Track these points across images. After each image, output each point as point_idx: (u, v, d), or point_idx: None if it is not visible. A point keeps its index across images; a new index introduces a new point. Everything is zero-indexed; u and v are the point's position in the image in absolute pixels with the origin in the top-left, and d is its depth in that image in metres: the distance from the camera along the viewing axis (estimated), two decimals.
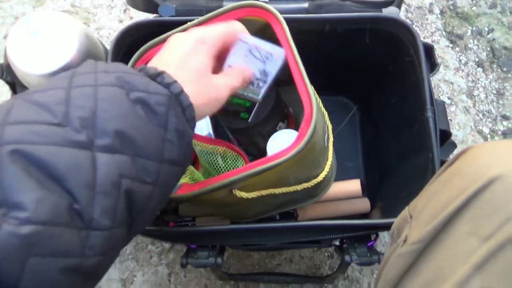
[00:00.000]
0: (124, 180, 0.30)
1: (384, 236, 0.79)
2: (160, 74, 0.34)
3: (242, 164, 0.56)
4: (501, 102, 0.91)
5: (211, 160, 0.56)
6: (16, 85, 0.64)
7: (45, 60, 0.54)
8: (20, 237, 0.25)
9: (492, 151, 0.32)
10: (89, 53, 0.57)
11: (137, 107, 0.31)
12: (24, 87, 0.62)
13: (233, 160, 0.56)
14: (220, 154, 0.56)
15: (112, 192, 0.29)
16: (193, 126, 0.36)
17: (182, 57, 0.37)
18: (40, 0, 0.91)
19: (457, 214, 0.31)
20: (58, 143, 0.28)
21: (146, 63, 0.49)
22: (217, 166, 0.56)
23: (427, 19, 0.94)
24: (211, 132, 0.62)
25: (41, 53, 0.54)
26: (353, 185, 0.65)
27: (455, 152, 0.61)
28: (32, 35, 0.55)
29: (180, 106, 0.34)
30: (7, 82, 0.64)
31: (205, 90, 0.38)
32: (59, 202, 0.27)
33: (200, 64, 0.38)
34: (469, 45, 0.95)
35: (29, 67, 0.54)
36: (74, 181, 0.28)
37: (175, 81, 0.34)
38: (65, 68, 0.55)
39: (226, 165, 0.56)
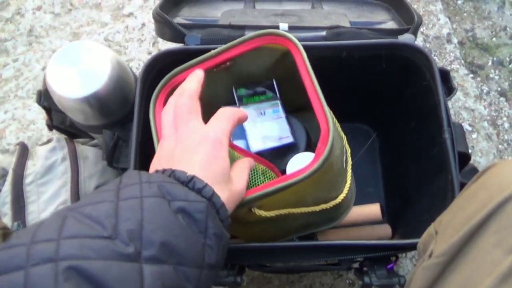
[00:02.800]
0: None
1: (406, 264, 0.77)
2: (191, 179, 0.36)
3: None
4: None
5: (253, 178, 0.58)
6: (52, 110, 0.68)
7: (80, 85, 0.58)
8: None
9: None
10: (120, 79, 0.61)
11: (178, 216, 0.34)
12: (59, 112, 0.66)
13: (271, 178, 0.57)
14: (262, 172, 0.57)
15: None
16: (227, 226, 0.38)
17: (205, 160, 0.39)
18: (76, 35, 0.98)
19: (481, 226, 0.31)
20: (108, 257, 0.29)
21: (172, 88, 0.53)
22: (258, 181, 0.58)
23: (445, 48, 0.96)
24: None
25: (77, 78, 0.58)
26: (373, 209, 0.65)
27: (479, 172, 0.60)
28: (70, 62, 0.59)
29: (214, 208, 0.36)
30: (44, 107, 0.68)
31: (229, 189, 0.40)
32: None
33: (225, 169, 0.40)
34: (491, 75, 0.96)
35: (66, 91, 0.58)
36: None
37: (206, 185, 0.37)
38: (97, 93, 0.58)
39: (265, 181, 0.57)
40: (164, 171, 0.38)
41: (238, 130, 0.65)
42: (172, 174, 0.37)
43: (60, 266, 0.28)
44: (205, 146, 0.40)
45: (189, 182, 0.36)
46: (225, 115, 0.43)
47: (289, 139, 0.59)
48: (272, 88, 0.59)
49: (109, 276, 0.29)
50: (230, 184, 0.41)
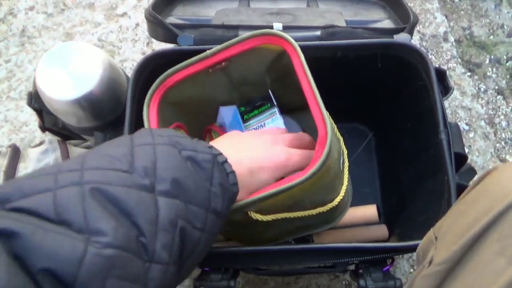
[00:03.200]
0: (179, 220, 0.34)
1: (403, 265, 0.76)
2: (211, 146, 0.40)
3: None
4: None
5: None
6: (43, 112, 0.67)
7: (70, 87, 0.57)
8: (105, 258, 0.28)
9: None
10: (112, 81, 0.60)
11: (187, 163, 0.37)
12: (50, 114, 0.65)
13: None
14: None
15: (170, 229, 0.33)
16: (236, 191, 0.41)
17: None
18: (69, 35, 0.97)
19: (484, 233, 0.30)
20: (127, 185, 0.32)
21: (166, 89, 0.52)
22: None
23: (442, 47, 0.95)
24: None
25: (67, 80, 0.57)
26: (369, 210, 0.65)
27: (475, 178, 0.60)
28: (60, 64, 0.58)
29: (224, 171, 0.39)
30: (35, 109, 0.67)
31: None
32: (130, 233, 0.31)
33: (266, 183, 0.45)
34: (488, 73, 0.95)
35: (56, 93, 0.57)
36: (141, 217, 0.32)
37: (221, 153, 0.40)
38: (89, 95, 0.57)
39: None
40: None
41: (236, 124, 0.64)
42: (197, 142, 0.40)
43: (85, 187, 0.30)
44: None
45: (209, 147, 0.40)
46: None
47: None
48: (269, 99, 0.59)
49: (129, 200, 0.31)
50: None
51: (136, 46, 0.95)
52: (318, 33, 0.58)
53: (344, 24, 0.62)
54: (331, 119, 0.54)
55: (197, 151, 0.38)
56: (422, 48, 0.93)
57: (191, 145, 0.38)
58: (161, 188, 0.34)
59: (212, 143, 0.44)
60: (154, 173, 0.34)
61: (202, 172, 0.37)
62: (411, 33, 0.58)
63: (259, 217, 0.46)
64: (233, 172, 0.40)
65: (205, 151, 0.38)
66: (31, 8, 1.01)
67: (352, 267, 0.58)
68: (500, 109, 0.92)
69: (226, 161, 0.40)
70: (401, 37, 0.56)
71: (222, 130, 0.60)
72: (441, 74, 0.54)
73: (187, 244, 0.35)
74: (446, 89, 0.54)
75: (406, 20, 0.60)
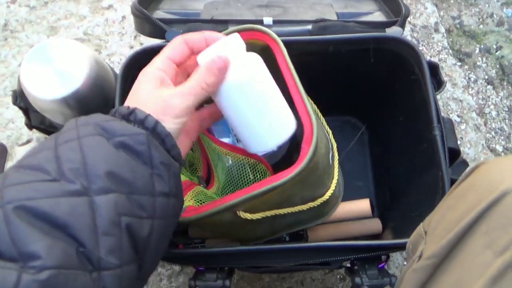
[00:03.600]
0: (123, 218, 0.32)
1: (397, 258, 0.77)
2: (132, 111, 0.36)
3: None
4: None
5: (241, 173, 0.56)
6: (29, 111, 0.66)
7: (56, 85, 0.55)
8: (41, 282, 0.26)
9: (504, 165, 0.32)
10: (99, 78, 0.58)
11: (120, 151, 0.33)
12: (36, 112, 0.64)
13: (262, 174, 0.56)
14: (250, 166, 0.56)
15: (114, 230, 0.31)
16: (177, 155, 0.38)
17: (146, 95, 0.38)
18: (54, 29, 0.94)
19: (471, 227, 0.31)
20: (55, 195, 0.30)
21: None
22: (247, 179, 0.56)
23: (433, 38, 0.95)
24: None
25: (53, 79, 0.56)
26: (363, 205, 0.65)
27: (465, 172, 0.60)
28: (44, 62, 0.56)
29: (158, 138, 0.36)
30: (21, 108, 0.66)
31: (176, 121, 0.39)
32: (66, 248, 0.29)
33: (164, 101, 0.39)
34: (478, 63, 0.95)
35: (41, 92, 0.55)
36: (76, 226, 0.29)
37: (148, 115, 0.36)
38: (76, 93, 0.56)
39: (255, 179, 0.56)
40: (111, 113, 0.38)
41: (224, 128, 0.63)
42: (117, 111, 0.37)
43: (7, 208, 0.28)
44: (144, 82, 0.39)
45: (130, 115, 0.36)
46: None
47: None
48: None
49: (59, 211, 0.29)
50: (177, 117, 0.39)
51: (123, 40, 0.92)
52: (309, 27, 0.57)
53: (335, 17, 0.61)
54: (319, 113, 0.54)
55: (128, 135, 0.34)
56: (414, 40, 0.92)
57: (120, 129, 0.34)
58: (96, 187, 0.31)
59: (127, 102, 0.39)
60: (85, 172, 0.31)
61: (139, 157, 0.34)
62: (403, 26, 0.57)
63: (248, 216, 0.46)
64: (168, 135, 0.36)
65: (136, 132, 0.34)
66: (13, 1, 0.98)
67: (347, 263, 0.58)
68: (490, 99, 0.92)
69: (156, 123, 0.36)
70: (393, 31, 0.56)
71: (210, 131, 0.59)
72: (434, 68, 0.54)
73: (138, 238, 0.33)
74: (439, 83, 0.54)
75: (397, 13, 0.59)
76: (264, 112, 0.43)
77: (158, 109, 0.37)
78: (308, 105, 0.43)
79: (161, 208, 0.35)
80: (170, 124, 0.37)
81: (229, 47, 0.42)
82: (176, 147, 0.37)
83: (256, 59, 0.43)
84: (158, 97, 0.37)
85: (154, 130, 0.35)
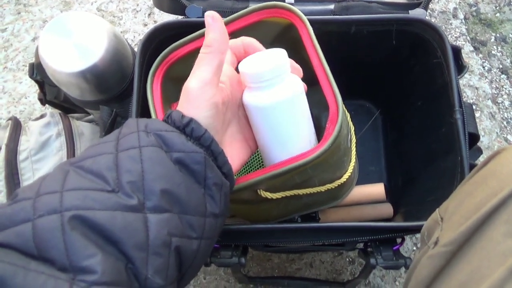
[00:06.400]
0: (173, 239, 0.32)
1: (407, 243, 0.77)
2: (188, 124, 0.35)
3: None
4: None
5: (257, 157, 0.56)
6: (45, 84, 0.65)
7: (75, 59, 0.55)
8: None
9: None
10: (117, 52, 0.58)
11: (177, 167, 0.33)
12: (53, 86, 0.64)
13: None
14: None
15: (164, 251, 0.31)
16: (228, 171, 0.37)
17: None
18: (68, 4, 0.93)
19: (492, 215, 0.30)
20: (112, 208, 0.30)
21: (170, 64, 0.50)
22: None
23: (451, 24, 0.93)
24: None
25: (71, 52, 0.55)
26: (377, 189, 0.65)
27: (481, 158, 0.60)
28: (63, 35, 0.56)
29: (212, 155, 0.35)
30: (36, 81, 0.65)
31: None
32: (118, 264, 0.29)
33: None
34: (493, 52, 0.94)
35: (59, 65, 0.55)
36: (128, 243, 0.29)
37: (205, 132, 0.35)
38: (94, 67, 0.56)
39: None
40: (167, 113, 0.36)
41: None
42: (169, 116, 0.36)
43: (65, 216, 0.28)
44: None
45: (186, 127, 0.35)
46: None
47: None
48: None
49: (114, 226, 0.29)
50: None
51: (137, 17, 0.92)
52: (331, 7, 0.56)
53: None
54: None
55: (185, 152, 0.34)
56: None
57: (178, 144, 0.34)
58: (151, 204, 0.31)
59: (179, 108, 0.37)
60: (142, 187, 0.31)
61: (193, 176, 0.34)
62: (426, 8, 0.56)
63: (268, 195, 0.45)
64: (221, 152, 0.36)
65: (194, 150, 0.34)
66: None
67: (360, 245, 0.58)
68: (504, 89, 0.91)
69: (212, 140, 0.35)
70: (417, 12, 0.55)
71: None
72: (456, 52, 0.53)
73: (184, 258, 0.33)
74: (460, 68, 0.53)
75: None
76: (302, 129, 0.43)
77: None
78: (334, 85, 0.43)
79: (210, 228, 0.35)
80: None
81: (280, 59, 0.40)
82: (228, 163, 0.37)
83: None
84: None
85: (209, 147, 0.35)
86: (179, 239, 0.32)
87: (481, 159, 0.63)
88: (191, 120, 0.35)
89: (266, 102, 0.40)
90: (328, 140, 0.41)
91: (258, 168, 0.57)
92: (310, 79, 0.45)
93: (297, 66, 0.44)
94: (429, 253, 0.34)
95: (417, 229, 0.47)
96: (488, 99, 0.88)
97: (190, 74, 0.37)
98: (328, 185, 0.51)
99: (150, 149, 0.33)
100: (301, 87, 0.43)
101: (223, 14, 0.55)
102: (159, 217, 0.31)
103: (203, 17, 0.56)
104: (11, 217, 0.28)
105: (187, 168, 0.34)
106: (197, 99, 0.36)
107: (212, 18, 0.38)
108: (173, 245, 0.31)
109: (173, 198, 0.32)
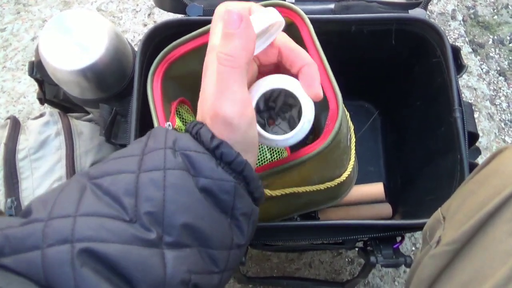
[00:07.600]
0: (193, 276, 0.29)
1: (405, 243, 0.77)
2: (218, 146, 0.31)
3: None
4: None
5: (259, 152, 0.56)
6: (44, 83, 0.65)
7: (75, 57, 0.55)
8: None
9: None
10: (118, 50, 0.58)
11: (202, 196, 0.30)
12: (52, 85, 0.63)
13: (279, 154, 0.56)
14: (267, 145, 0.56)
15: None
16: (260, 195, 0.34)
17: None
18: (67, 4, 0.93)
19: (495, 214, 0.30)
20: (127, 242, 0.27)
21: (171, 63, 0.50)
22: (264, 158, 0.56)
23: (450, 25, 0.94)
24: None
25: (72, 50, 0.55)
26: (376, 188, 0.65)
27: (480, 158, 0.60)
28: (63, 32, 0.56)
29: (243, 181, 0.32)
30: (36, 80, 0.65)
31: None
32: None
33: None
34: (491, 54, 0.95)
35: (60, 63, 0.55)
36: (142, 282, 0.27)
37: (237, 156, 0.31)
38: (94, 65, 0.56)
39: (272, 158, 0.56)
40: (193, 126, 0.33)
41: None
42: (197, 133, 0.32)
43: (75, 248, 0.26)
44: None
45: (216, 149, 0.31)
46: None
47: None
48: None
49: (129, 261, 0.27)
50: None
51: (137, 17, 0.92)
52: (331, 6, 0.56)
53: None
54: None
55: (214, 179, 0.30)
56: None
57: (207, 170, 0.30)
58: (170, 240, 0.28)
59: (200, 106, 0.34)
60: (162, 220, 0.28)
61: (220, 205, 0.31)
62: (425, 8, 0.56)
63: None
64: (255, 178, 0.32)
65: (224, 179, 0.31)
66: None
67: (360, 244, 0.58)
68: (501, 90, 0.92)
69: (245, 165, 0.31)
70: (416, 12, 0.55)
71: None
72: (456, 52, 0.53)
73: None
74: (459, 67, 0.54)
75: None
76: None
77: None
78: (334, 82, 0.43)
79: (233, 260, 0.33)
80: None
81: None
82: (261, 188, 0.34)
83: None
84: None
85: (241, 172, 0.32)
86: (200, 275, 0.30)
87: (480, 159, 0.63)
88: (221, 143, 0.31)
89: None
90: (328, 137, 0.41)
91: (257, 165, 0.58)
92: None
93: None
94: (431, 253, 0.34)
95: (417, 227, 0.47)
96: (487, 100, 0.88)
97: (215, 90, 0.32)
98: (328, 183, 0.51)
99: (176, 173, 0.30)
100: None
101: None
102: (178, 254, 0.28)
103: (204, 16, 0.57)
104: (22, 241, 0.27)
105: (214, 197, 0.31)
106: (238, 126, 0.31)
107: (239, 17, 0.31)
108: (192, 282, 0.29)
109: (196, 233, 0.30)
